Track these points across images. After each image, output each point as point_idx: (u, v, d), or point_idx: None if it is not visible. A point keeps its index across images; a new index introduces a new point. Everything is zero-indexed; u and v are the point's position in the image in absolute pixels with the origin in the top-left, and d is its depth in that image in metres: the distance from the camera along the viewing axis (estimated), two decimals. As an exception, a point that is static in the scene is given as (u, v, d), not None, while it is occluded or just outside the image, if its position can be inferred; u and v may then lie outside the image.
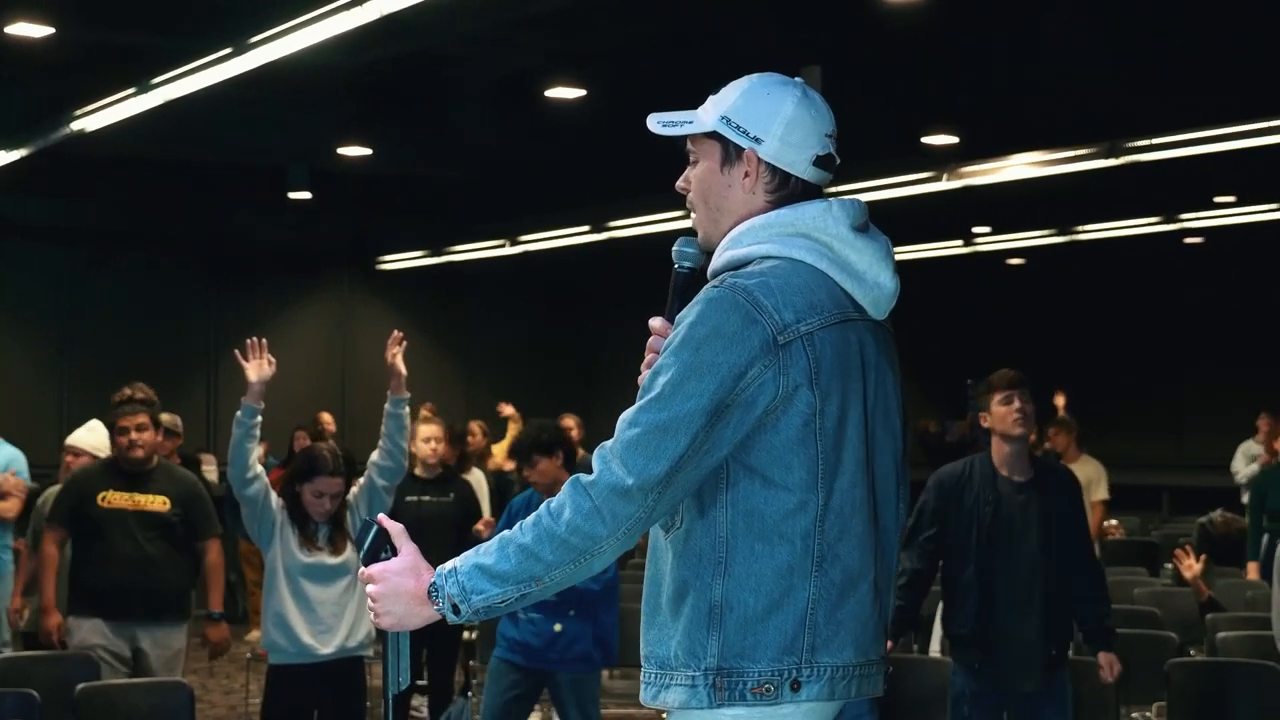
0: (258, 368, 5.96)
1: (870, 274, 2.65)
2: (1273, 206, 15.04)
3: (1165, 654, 6.87)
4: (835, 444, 2.54)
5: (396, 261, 19.16)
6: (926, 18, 10.15)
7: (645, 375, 2.59)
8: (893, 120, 12.52)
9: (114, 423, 6.82)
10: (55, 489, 7.78)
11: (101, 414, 7.28)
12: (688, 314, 2.56)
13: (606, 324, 19.65)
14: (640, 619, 2.67)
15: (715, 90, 2.74)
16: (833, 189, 2.76)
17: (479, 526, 8.08)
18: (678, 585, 2.57)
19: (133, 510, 6.72)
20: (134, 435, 6.70)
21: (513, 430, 12.31)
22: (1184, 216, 15.85)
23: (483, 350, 19.84)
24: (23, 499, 7.87)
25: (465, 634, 8.18)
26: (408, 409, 6.27)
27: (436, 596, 2.53)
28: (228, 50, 9.14)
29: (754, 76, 2.72)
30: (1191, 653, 7.72)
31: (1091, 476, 10.05)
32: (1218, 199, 15.61)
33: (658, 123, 2.73)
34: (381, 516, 2.66)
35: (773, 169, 2.67)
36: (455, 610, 2.53)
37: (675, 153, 2.79)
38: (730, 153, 2.68)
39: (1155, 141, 11.19)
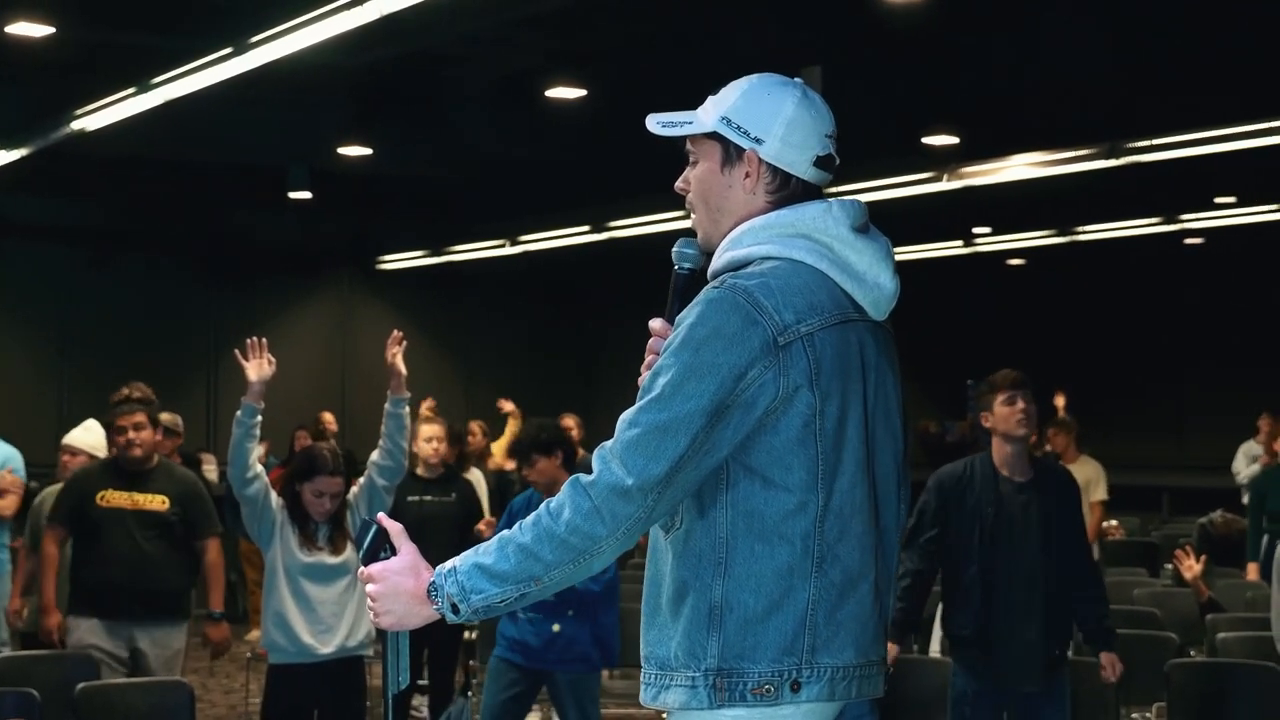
0: (258, 367, 5.96)
1: (870, 275, 2.65)
2: (1273, 207, 15.04)
3: (1165, 655, 6.87)
4: (835, 445, 2.54)
5: (397, 261, 19.17)
6: (927, 18, 10.15)
7: (645, 376, 2.59)
8: (893, 120, 12.52)
9: (112, 422, 6.82)
10: (53, 488, 7.78)
11: (102, 414, 7.28)
12: (688, 315, 2.56)
13: (606, 324, 19.66)
14: (640, 619, 2.67)
15: (716, 90, 2.73)
16: (833, 189, 2.76)
17: (481, 526, 8.08)
18: (678, 586, 2.57)
19: (131, 510, 6.72)
20: (131, 434, 6.70)
21: (512, 426, 12.30)
22: (1184, 217, 15.85)
23: (483, 350, 19.84)
24: (20, 497, 7.87)
25: (466, 634, 8.18)
26: (408, 409, 6.27)
27: (436, 596, 2.53)
28: (228, 50, 9.14)
29: (754, 77, 2.72)
30: (1191, 653, 7.72)
31: (1090, 477, 10.05)
32: (1218, 200, 15.61)
33: (657, 123, 2.73)
34: (381, 516, 2.66)
35: (773, 169, 2.67)
36: (454, 610, 2.53)
37: (675, 153, 2.79)
38: (731, 153, 2.68)
39: (1156, 142, 11.19)
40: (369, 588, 2.59)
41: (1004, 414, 5.64)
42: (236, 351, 6.05)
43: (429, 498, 8.04)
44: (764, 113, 2.66)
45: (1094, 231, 16.79)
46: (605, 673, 7.70)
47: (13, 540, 7.85)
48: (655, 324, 2.73)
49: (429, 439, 8.11)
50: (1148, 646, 7.13)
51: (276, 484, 6.19)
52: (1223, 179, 14.48)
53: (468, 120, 13.51)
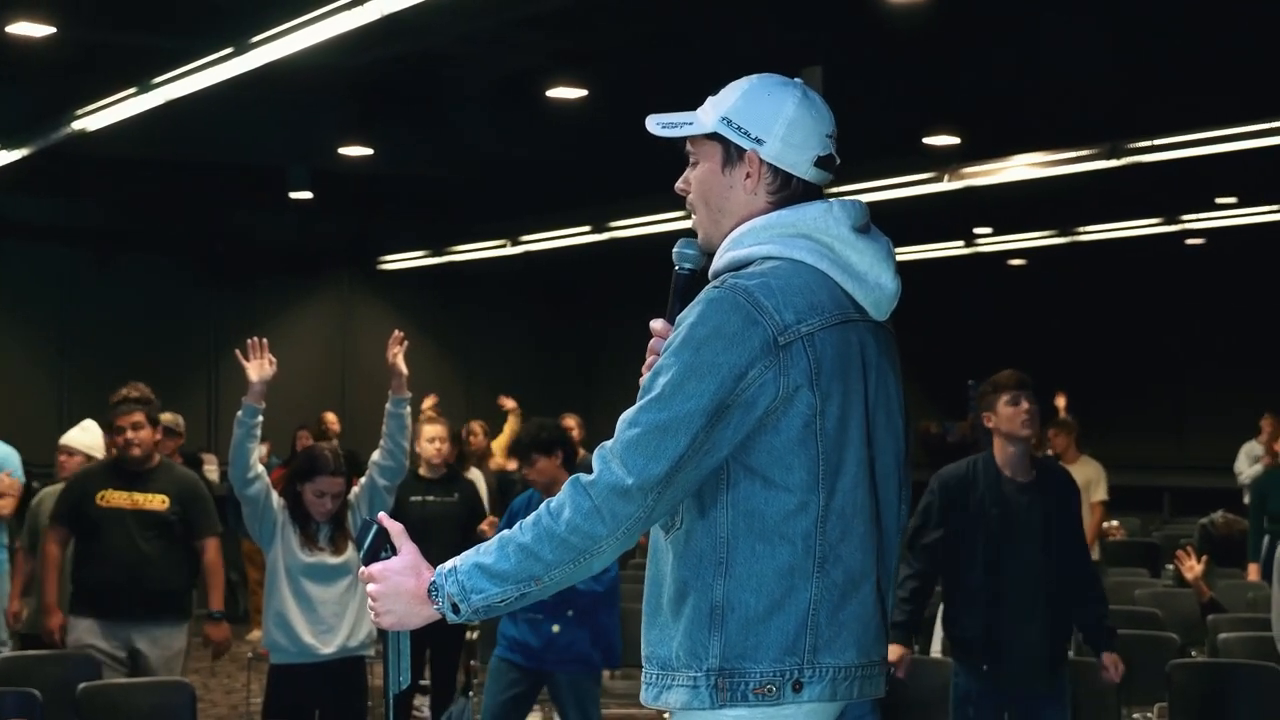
0: (259, 367, 5.96)
1: (871, 275, 2.64)
2: (1274, 208, 15.04)
3: (1166, 655, 6.87)
4: (836, 445, 2.54)
5: (397, 261, 19.16)
6: (928, 18, 10.14)
7: (646, 376, 2.59)
8: (894, 121, 12.51)
9: (111, 422, 6.82)
10: (52, 488, 7.79)
11: (102, 414, 7.28)
12: (688, 314, 2.56)
13: (607, 324, 19.65)
14: (641, 619, 2.67)
15: (716, 90, 2.73)
16: (834, 189, 2.76)
17: (483, 526, 8.08)
18: (678, 586, 2.57)
19: (131, 509, 6.72)
20: (130, 434, 6.70)
21: (511, 424, 12.29)
22: (1185, 218, 15.85)
23: (483, 350, 19.84)
24: (18, 498, 7.87)
25: (467, 634, 8.18)
26: (409, 409, 6.27)
27: (436, 596, 2.54)
28: (229, 50, 9.14)
29: (754, 77, 2.72)
30: (1193, 654, 7.72)
31: (1091, 477, 10.05)
32: (1219, 200, 15.60)
33: (657, 124, 2.73)
34: (382, 515, 2.66)
35: (774, 170, 2.67)
36: (455, 609, 2.53)
37: (676, 153, 2.79)
38: (731, 154, 2.68)
39: (1157, 142, 11.18)
40: (370, 588, 2.59)
41: (1008, 414, 5.63)
42: (237, 352, 6.05)
43: (431, 498, 8.04)
44: (764, 113, 2.66)
45: (1095, 232, 16.79)
46: (606, 673, 7.70)
47: (12, 541, 7.84)
48: (656, 324, 2.73)
49: (432, 439, 8.11)
50: (1149, 647, 7.13)
51: (278, 484, 6.19)
52: (1224, 179, 14.48)
53: (468, 120, 13.51)
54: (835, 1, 10.56)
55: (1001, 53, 11.33)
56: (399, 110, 13.15)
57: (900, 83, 12.14)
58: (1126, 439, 18.62)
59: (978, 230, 17.91)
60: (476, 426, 11.93)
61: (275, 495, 6.02)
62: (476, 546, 2.57)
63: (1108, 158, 11.48)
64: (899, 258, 2.72)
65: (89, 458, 7.76)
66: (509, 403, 12.64)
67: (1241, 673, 6.46)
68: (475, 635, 8.23)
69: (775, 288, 2.54)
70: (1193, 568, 7.29)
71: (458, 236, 17.90)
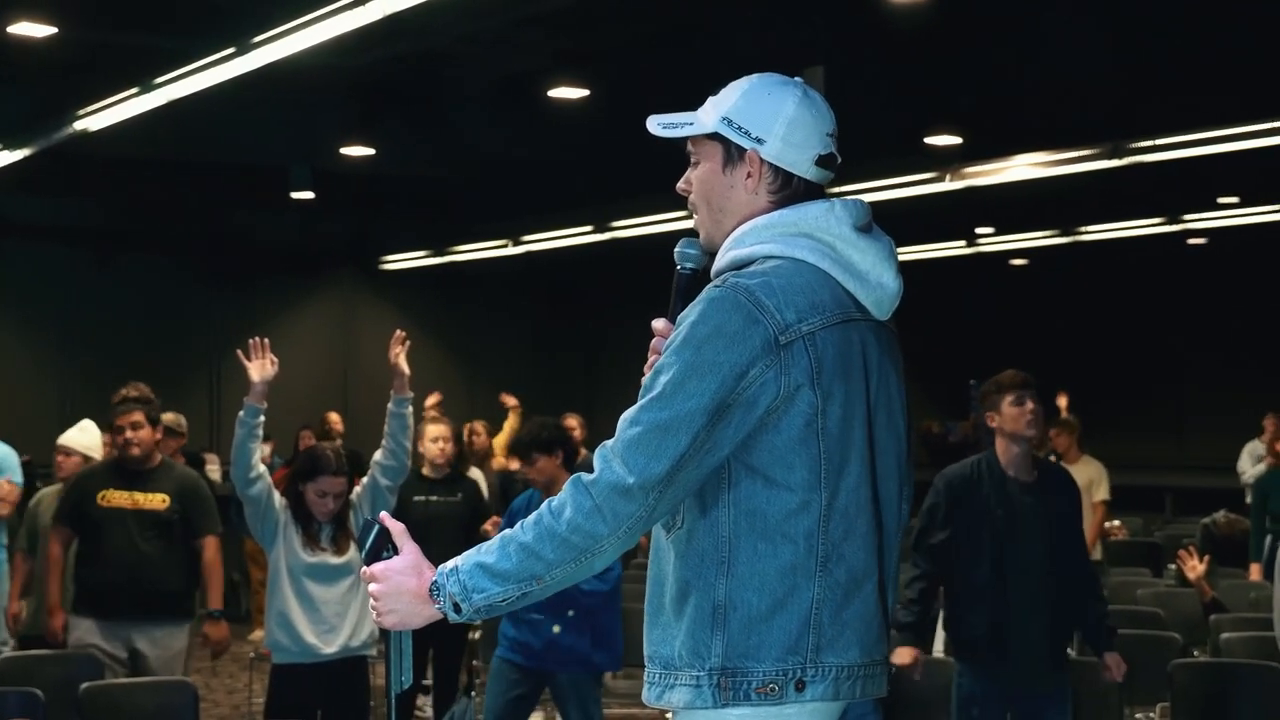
0: (260, 367, 5.95)
1: (873, 274, 2.64)
2: (1276, 208, 15.04)
3: (1169, 655, 6.87)
4: (838, 444, 2.54)
5: (399, 261, 19.18)
6: (929, 18, 10.15)
7: (647, 375, 2.59)
8: (896, 121, 12.52)
9: (111, 422, 6.82)
10: (49, 489, 7.79)
11: (104, 414, 7.28)
12: (689, 313, 2.55)
13: (609, 324, 19.67)
14: (643, 619, 2.67)
15: (718, 90, 2.73)
16: (835, 189, 2.76)
17: (486, 526, 8.08)
18: (681, 585, 2.57)
19: (132, 509, 6.71)
20: (129, 434, 6.70)
21: (512, 421, 12.28)
22: (1187, 217, 15.85)
23: (485, 350, 19.85)
24: (15, 503, 7.87)
25: (470, 633, 8.18)
26: (411, 408, 6.26)
27: (438, 595, 2.53)
28: (230, 50, 9.14)
29: (754, 77, 2.71)
30: (1195, 654, 7.71)
31: (1093, 477, 10.05)
32: (1221, 200, 15.61)
33: (658, 124, 2.73)
34: (383, 515, 2.66)
35: (775, 169, 2.67)
36: (456, 609, 2.53)
37: (677, 153, 2.79)
38: (732, 154, 2.68)
39: (1159, 142, 11.19)
40: (371, 587, 2.59)
41: (1012, 414, 5.63)
42: (239, 352, 6.05)
43: (435, 497, 8.04)
44: (765, 113, 2.66)
45: (1097, 232, 16.80)
46: (608, 673, 7.70)
47: (12, 541, 7.84)
48: (658, 324, 2.73)
49: (435, 439, 8.10)
50: (1151, 647, 7.13)
51: (280, 484, 6.18)
52: (1225, 179, 14.48)
53: (470, 120, 13.52)
54: (837, 1, 10.57)
55: (1003, 53, 11.34)
56: (400, 110, 13.17)
57: (902, 83, 12.14)
58: (1128, 439, 18.62)
59: (979, 230, 17.92)
60: (479, 426, 11.92)
61: (277, 495, 6.01)
62: (478, 546, 2.57)
63: (1109, 157, 11.48)
64: (900, 258, 2.72)
65: (87, 458, 7.76)
66: (510, 400, 12.64)
67: (1244, 673, 6.46)
68: (478, 635, 8.23)
69: (776, 287, 2.54)
70: (1195, 567, 7.28)
71: (459, 236, 17.91)
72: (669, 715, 2.63)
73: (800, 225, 2.63)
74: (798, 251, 2.61)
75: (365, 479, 6.24)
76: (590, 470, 2.53)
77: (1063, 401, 12.22)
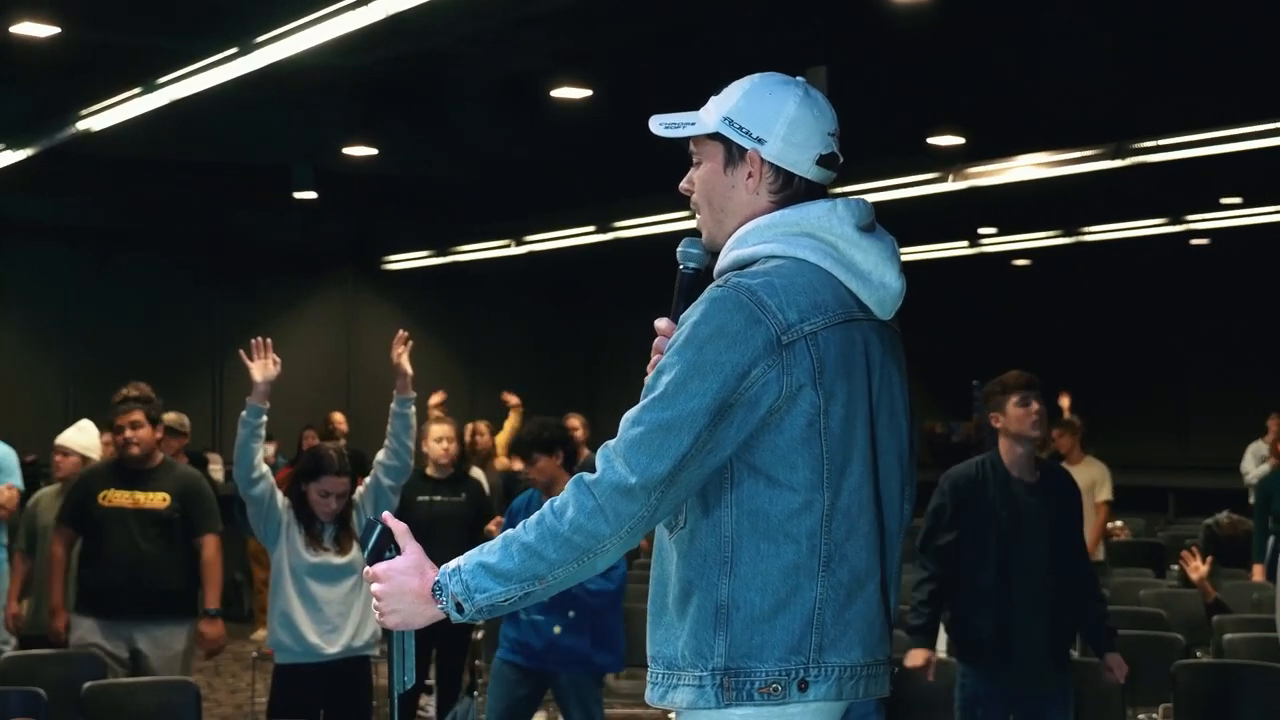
0: (263, 368, 5.95)
1: (876, 274, 2.64)
2: (1279, 208, 15.03)
3: (1171, 656, 6.86)
4: (841, 444, 2.54)
5: (401, 261, 19.18)
6: (932, 18, 10.14)
7: (650, 375, 2.59)
8: (898, 121, 12.52)
9: (111, 422, 6.82)
10: (47, 489, 7.80)
11: (106, 414, 7.29)
12: (692, 313, 2.55)
13: (611, 324, 19.67)
14: (646, 619, 2.67)
15: (720, 90, 2.73)
16: (838, 189, 2.76)
17: (490, 526, 8.08)
18: (683, 585, 2.57)
19: (133, 509, 6.72)
20: (129, 433, 6.70)
21: (513, 420, 12.28)
22: (1190, 218, 15.85)
23: (487, 350, 19.86)
24: (13, 508, 7.87)
25: (473, 634, 8.18)
26: (413, 408, 6.26)
27: (440, 595, 2.53)
28: (233, 50, 9.15)
29: (755, 76, 2.71)
30: (1198, 654, 7.71)
31: (1096, 478, 10.04)
32: (1224, 200, 15.60)
33: (660, 124, 2.73)
34: (386, 515, 2.66)
35: (776, 169, 2.66)
36: (459, 609, 2.53)
37: (680, 153, 2.79)
38: (733, 154, 2.68)
39: (1162, 143, 11.18)
40: (374, 587, 2.59)
41: (1018, 415, 5.63)
42: (241, 352, 6.05)
43: (439, 498, 8.04)
44: (765, 112, 2.65)
45: (1099, 232, 16.79)
46: (610, 673, 7.69)
47: (12, 541, 7.85)
48: (660, 323, 2.73)
49: (439, 439, 8.11)
50: (1154, 647, 7.13)
51: (283, 484, 6.18)
52: (1228, 180, 14.48)
53: (472, 120, 13.52)
54: (840, 1, 10.56)
55: (1006, 53, 11.34)
56: (403, 110, 13.16)
57: (905, 82, 12.14)
58: (1131, 439, 18.62)
59: (982, 230, 17.92)
60: (483, 426, 11.92)
61: (280, 495, 6.01)
62: (480, 546, 2.57)
63: (1112, 158, 11.48)
64: (903, 258, 2.71)
65: (85, 458, 7.76)
66: (512, 399, 12.64)
67: (1246, 673, 6.45)
68: (480, 635, 8.23)
69: (779, 286, 2.54)
70: (1198, 568, 7.28)
71: (461, 236, 17.91)
72: (672, 715, 2.63)
73: (802, 225, 2.63)
74: (800, 251, 2.61)
75: (368, 479, 6.24)
76: (593, 471, 2.53)
77: (1065, 402, 12.22)
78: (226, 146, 14.66)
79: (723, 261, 2.68)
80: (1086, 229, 16.77)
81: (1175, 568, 9.88)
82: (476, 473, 9.65)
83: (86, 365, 16.80)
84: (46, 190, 15.98)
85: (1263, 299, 19.65)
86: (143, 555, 6.66)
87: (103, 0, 10.40)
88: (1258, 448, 13.21)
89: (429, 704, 8.46)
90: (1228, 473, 14.15)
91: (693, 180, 2.75)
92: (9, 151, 12.58)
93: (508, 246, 17.54)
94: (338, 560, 6.00)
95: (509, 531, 2.54)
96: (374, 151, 13.74)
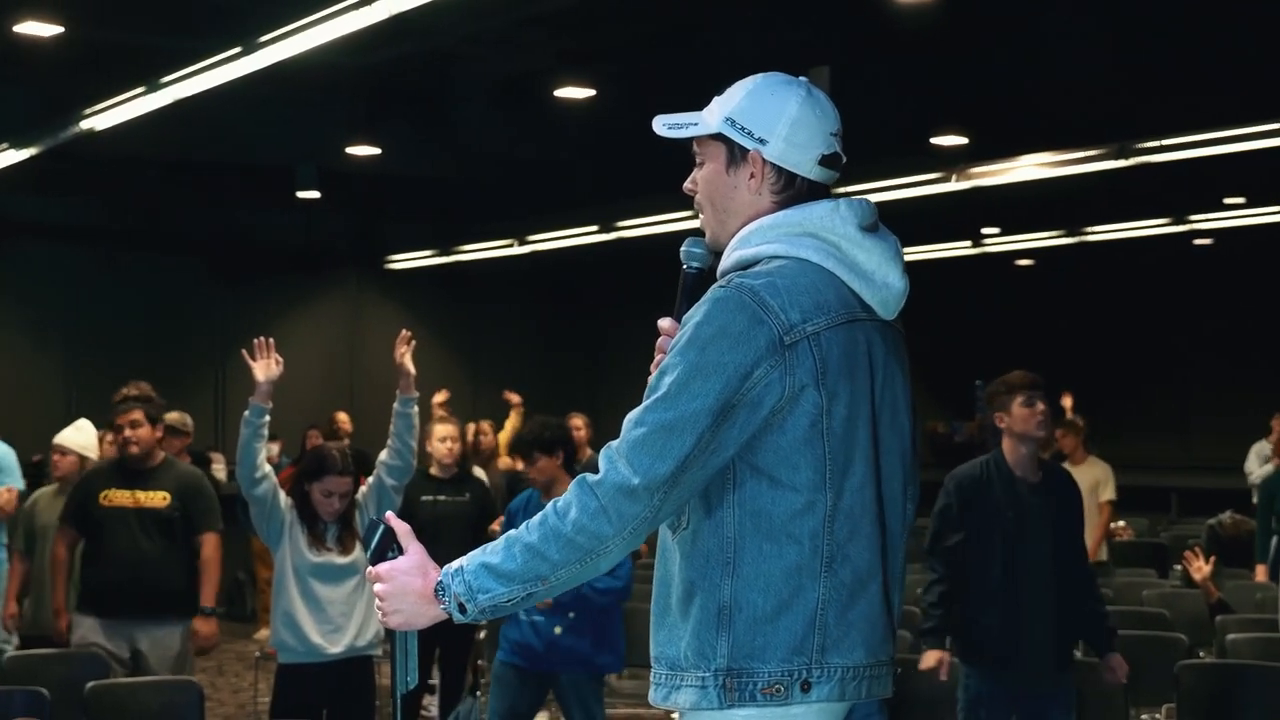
0: (265, 367, 5.95)
1: (879, 274, 2.64)
2: (1283, 208, 15.02)
3: (1174, 656, 6.86)
4: (843, 444, 2.54)
5: (405, 261, 19.17)
6: (935, 18, 10.14)
7: (653, 375, 2.59)
8: (901, 121, 12.52)
9: (112, 421, 6.83)
10: (45, 490, 7.80)
11: (108, 413, 7.29)
12: (694, 314, 2.55)
13: (614, 323, 19.66)
14: (649, 619, 2.67)
15: (723, 90, 2.73)
16: (841, 189, 2.76)
17: (495, 526, 8.08)
18: (686, 586, 2.57)
19: (134, 508, 6.72)
20: (129, 433, 6.71)
21: (514, 419, 12.29)
22: (1194, 218, 15.83)
23: (491, 350, 19.85)
24: (12, 510, 7.88)
25: (476, 633, 8.18)
26: (416, 408, 6.26)
27: (443, 595, 2.53)
28: (236, 50, 9.14)
29: (758, 76, 2.71)
30: (1201, 655, 7.71)
31: (1099, 478, 10.04)
32: (1227, 200, 15.59)
33: (663, 125, 2.73)
34: (389, 515, 2.66)
35: (778, 170, 2.66)
36: (461, 609, 2.53)
37: (683, 153, 2.79)
38: (735, 154, 2.68)
39: (1165, 143, 11.17)
40: (377, 587, 2.59)
41: (1023, 415, 5.62)
42: (244, 352, 6.05)
43: (443, 497, 8.05)
44: (768, 113, 2.65)
45: (1103, 232, 16.77)
46: (611, 674, 7.69)
47: (12, 541, 7.85)
48: (664, 323, 2.73)
49: (443, 439, 8.11)
50: (1157, 648, 7.13)
51: (287, 483, 6.18)
52: (1232, 180, 14.47)
53: (476, 120, 13.52)
54: (843, 1, 10.56)
55: (1009, 53, 11.33)
56: (406, 110, 13.17)
57: (907, 83, 12.14)
58: (1134, 439, 18.60)
59: (985, 230, 17.90)
60: (486, 426, 11.93)
61: (283, 495, 6.02)
62: (483, 546, 2.57)
63: (1116, 158, 11.47)
64: (906, 258, 2.71)
65: (83, 457, 7.77)
66: (514, 397, 12.65)
67: (1250, 674, 6.45)
68: (483, 635, 8.23)
69: (781, 287, 2.54)
70: (1201, 568, 7.28)
71: (464, 236, 17.90)
72: (675, 716, 2.63)
73: (805, 225, 2.63)
74: (803, 251, 2.61)
75: (371, 479, 6.24)
76: (597, 471, 2.53)
77: (1067, 402, 12.22)
78: (230, 146, 14.67)
79: (726, 262, 2.68)
80: (1090, 229, 16.76)
81: (1178, 568, 9.87)
82: (478, 472, 9.68)
83: (89, 365, 16.78)
84: (50, 189, 15.97)
85: (1266, 299, 19.63)
86: (144, 554, 6.67)
87: (107, 0, 10.40)
88: (1261, 447, 13.19)
89: (432, 704, 8.46)
90: (1231, 473, 14.14)
91: (696, 181, 2.75)
92: (12, 150, 12.58)
93: (511, 246, 17.53)
94: (341, 560, 6.00)
95: (512, 532, 2.55)
96: (377, 151, 13.74)
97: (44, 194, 16.27)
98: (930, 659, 5.64)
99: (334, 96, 12.82)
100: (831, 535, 2.52)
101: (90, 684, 5.88)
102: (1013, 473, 5.64)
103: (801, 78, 2.73)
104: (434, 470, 8.11)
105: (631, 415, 2.53)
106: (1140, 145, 11.27)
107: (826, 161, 2.68)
